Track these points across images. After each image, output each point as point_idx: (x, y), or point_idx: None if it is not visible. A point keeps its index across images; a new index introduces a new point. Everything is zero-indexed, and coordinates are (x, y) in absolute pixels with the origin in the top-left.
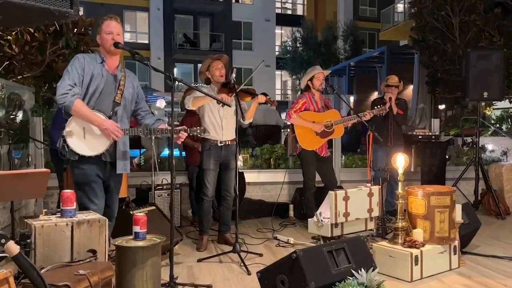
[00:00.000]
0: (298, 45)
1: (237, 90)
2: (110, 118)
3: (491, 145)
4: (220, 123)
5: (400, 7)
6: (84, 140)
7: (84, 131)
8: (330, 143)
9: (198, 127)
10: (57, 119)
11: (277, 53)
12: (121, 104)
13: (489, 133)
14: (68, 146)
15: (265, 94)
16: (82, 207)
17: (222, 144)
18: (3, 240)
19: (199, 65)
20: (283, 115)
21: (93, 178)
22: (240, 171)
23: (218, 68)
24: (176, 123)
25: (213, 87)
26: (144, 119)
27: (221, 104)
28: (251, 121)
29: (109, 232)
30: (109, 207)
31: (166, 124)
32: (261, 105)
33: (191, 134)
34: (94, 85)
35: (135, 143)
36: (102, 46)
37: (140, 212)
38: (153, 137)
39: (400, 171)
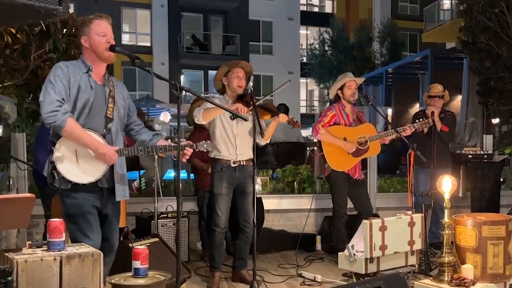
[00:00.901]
0: (326, 48)
1: (255, 103)
2: (104, 137)
3: None
4: (234, 141)
5: (446, 3)
6: (77, 165)
7: (77, 155)
8: (364, 164)
9: (205, 141)
10: (41, 136)
11: (302, 57)
12: (114, 119)
13: None
14: (58, 173)
15: (285, 107)
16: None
17: (236, 165)
18: None
19: (210, 72)
20: (309, 130)
21: (88, 209)
22: (258, 196)
23: (238, 76)
24: (182, 140)
25: (227, 98)
26: (139, 135)
27: (236, 118)
28: (268, 141)
29: (107, 268)
30: (107, 240)
31: (169, 140)
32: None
33: (197, 150)
34: (82, 99)
35: (133, 163)
36: (92, 50)
37: (141, 245)
38: (156, 156)
39: (447, 196)
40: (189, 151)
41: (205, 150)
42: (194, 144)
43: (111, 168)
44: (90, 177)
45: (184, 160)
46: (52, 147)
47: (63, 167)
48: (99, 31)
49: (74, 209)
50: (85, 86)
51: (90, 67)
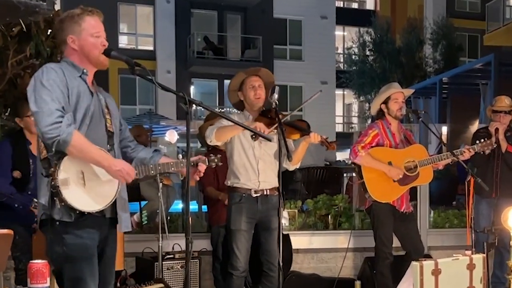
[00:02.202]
0: (367, 52)
1: (281, 120)
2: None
3: None
4: (256, 165)
5: None
6: (85, 189)
7: (84, 177)
8: (413, 193)
9: (214, 155)
10: None
11: (337, 64)
12: (115, 133)
13: None
14: (62, 200)
15: (307, 124)
16: None
17: (258, 195)
18: None
19: (226, 81)
20: (346, 153)
21: (93, 251)
22: (284, 233)
23: (254, 86)
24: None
25: (247, 115)
26: (136, 152)
27: (258, 137)
28: (297, 166)
29: None
30: (103, 284)
31: (174, 158)
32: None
33: (208, 165)
34: (82, 108)
35: (133, 192)
36: (82, 52)
37: None
38: (160, 184)
39: None
40: (202, 167)
41: (219, 164)
42: (205, 158)
43: None
44: (99, 204)
45: (197, 178)
46: (52, 169)
47: (69, 192)
48: (93, 31)
49: (77, 251)
50: (84, 92)
51: (85, 71)
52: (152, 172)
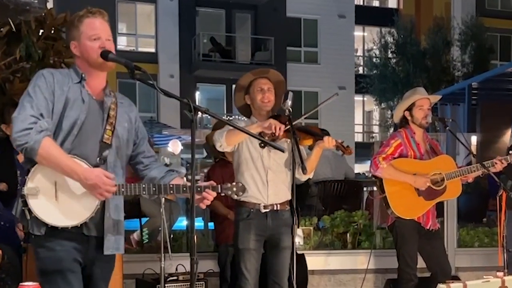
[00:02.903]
0: (390, 55)
1: (294, 126)
2: (96, 167)
3: None
4: (265, 177)
5: None
6: (57, 202)
7: (56, 188)
8: (440, 209)
9: (235, 183)
10: None
11: (357, 68)
12: (113, 146)
13: None
14: (31, 211)
15: (325, 132)
16: None
17: (268, 210)
18: None
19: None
20: (366, 165)
21: (69, 264)
22: (298, 252)
23: (262, 89)
24: (197, 178)
25: (254, 121)
26: (148, 170)
27: (266, 146)
28: (311, 176)
29: None
30: None
31: (185, 179)
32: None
33: (223, 195)
34: (70, 116)
35: (133, 208)
36: (83, 57)
37: None
38: (163, 199)
39: None
40: (210, 195)
41: (235, 196)
42: (218, 185)
43: (102, 209)
44: (72, 219)
45: (204, 206)
46: (26, 177)
47: (37, 203)
48: (90, 33)
49: (50, 264)
50: (75, 99)
51: (84, 76)
52: (144, 193)
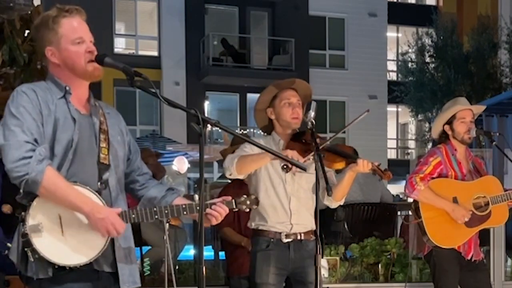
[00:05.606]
0: (427, 59)
1: (320, 145)
2: (99, 193)
3: None
4: (287, 204)
5: None
6: (63, 238)
7: (62, 224)
8: (484, 237)
9: (247, 196)
10: None
11: (390, 74)
12: (112, 166)
13: None
14: (35, 252)
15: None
16: None
17: (290, 240)
18: None
19: (250, 95)
20: (401, 186)
21: None
22: (324, 286)
23: (291, 103)
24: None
25: (276, 139)
26: (145, 190)
27: (290, 169)
28: (341, 203)
29: None
30: None
31: (196, 196)
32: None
33: (236, 210)
34: (63, 139)
35: (133, 235)
36: (65, 65)
37: None
38: (167, 225)
39: None
40: (222, 210)
41: (249, 209)
42: (233, 200)
43: (111, 240)
44: (82, 256)
45: (214, 222)
46: (23, 213)
47: (42, 242)
48: (73, 36)
49: None
50: (64, 119)
51: (68, 89)
52: (156, 217)
